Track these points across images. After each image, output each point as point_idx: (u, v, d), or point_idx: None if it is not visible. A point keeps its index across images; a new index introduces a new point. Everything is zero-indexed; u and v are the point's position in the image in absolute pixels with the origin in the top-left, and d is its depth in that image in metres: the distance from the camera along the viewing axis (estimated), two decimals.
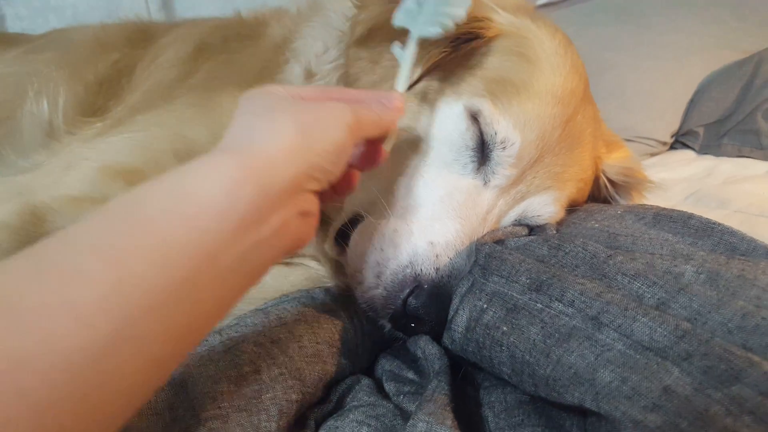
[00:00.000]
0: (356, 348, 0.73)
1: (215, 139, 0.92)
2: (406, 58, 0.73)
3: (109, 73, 1.15)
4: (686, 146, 1.80)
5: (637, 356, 0.50)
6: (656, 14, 2.01)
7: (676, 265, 0.65)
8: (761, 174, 1.54)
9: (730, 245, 0.72)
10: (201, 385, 0.57)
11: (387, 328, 0.76)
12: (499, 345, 0.61)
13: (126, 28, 1.27)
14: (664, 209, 0.82)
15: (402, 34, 0.84)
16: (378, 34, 0.85)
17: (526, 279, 0.64)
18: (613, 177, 0.99)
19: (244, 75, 0.99)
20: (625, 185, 1.00)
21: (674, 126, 1.79)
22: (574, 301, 0.58)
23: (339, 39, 0.91)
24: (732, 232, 0.74)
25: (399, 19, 0.75)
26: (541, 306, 0.60)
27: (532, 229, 0.84)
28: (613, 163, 0.99)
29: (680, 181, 1.53)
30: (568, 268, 0.65)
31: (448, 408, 0.54)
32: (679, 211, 0.80)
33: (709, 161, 1.66)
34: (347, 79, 0.85)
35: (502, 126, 0.77)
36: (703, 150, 1.75)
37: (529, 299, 0.62)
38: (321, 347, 0.67)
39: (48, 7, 1.73)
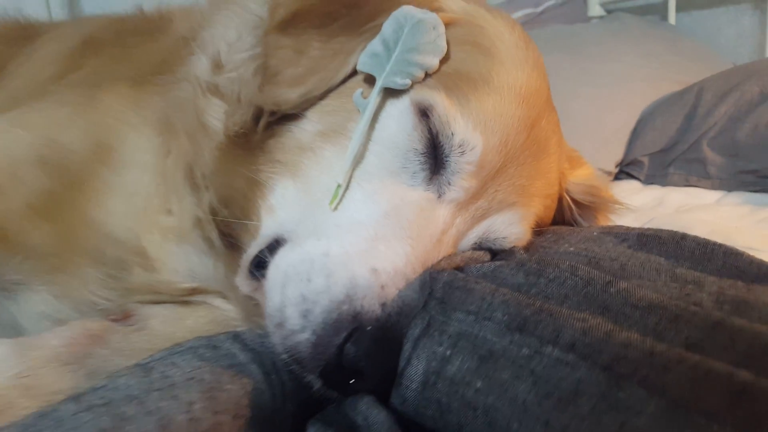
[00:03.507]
0: (273, 415, 0.54)
1: (95, 145, 0.73)
2: (368, 109, 0.63)
3: None
4: (631, 176, 1.74)
5: (682, 423, 0.34)
6: (594, 43, 1.99)
7: (688, 294, 0.50)
8: (712, 203, 1.48)
9: (736, 270, 0.59)
10: None
11: (316, 386, 0.57)
12: (472, 409, 0.44)
13: (3, 24, 1.06)
14: (648, 229, 0.69)
15: (331, 15, 0.70)
16: (304, 18, 0.69)
17: (503, 315, 0.47)
18: (578, 197, 0.86)
19: (139, 69, 0.80)
20: (590, 206, 0.87)
21: (618, 155, 1.72)
22: (574, 343, 0.42)
23: (256, 25, 0.74)
24: (736, 255, 0.61)
25: (363, 65, 0.66)
26: (528, 352, 0.43)
27: (496, 255, 0.69)
28: (578, 181, 0.86)
29: (630, 212, 1.44)
30: (555, 299, 0.49)
31: None
32: (667, 230, 0.67)
33: (656, 191, 1.59)
34: (266, 72, 0.68)
35: (459, 125, 0.62)
36: (649, 180, 1.68)
37: (510, 343, 0.45)
38: (221, 418, 0.48)
39: None
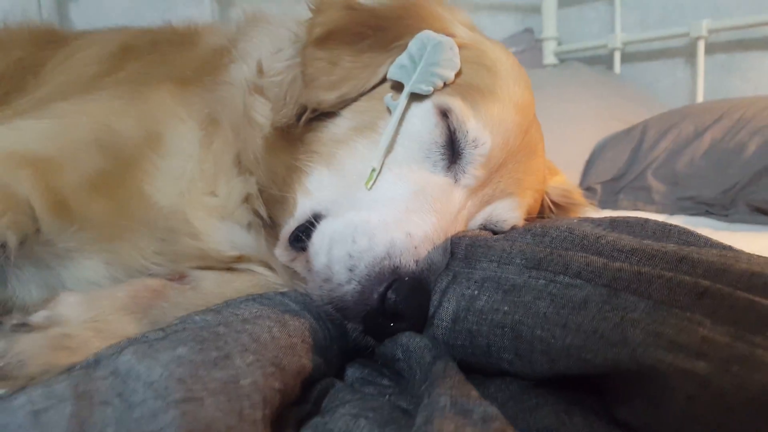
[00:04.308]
0: (325, 351, 0.64)
1: (146, 133, 0.84)
2: (398, 109, 0.76)
3: (10, 70, 1.02)
4: None
5: (665, 313, 0.47)
6: (550, 86, 2.20)
7: (658, 248, 0.65)
8: None
9: (689, 243, 0.74)
10: (157, 370, 0.45)
11: (355, 334, 0.68)
12: (501, 327, 0.56)
13: (32, 29, 1.15)
14: (618, 216, 0.84)
15: (360, 35, 0.84)
16: (337, 36, 0.83)
17: (521, 260, 0.60)
18: (556, 198, 1.01)
19: (181, 72, 0.91)
20: (565, 206, 1.02)
21: (574, 183, 1.92)
22: (580, 272, 0.55)
23: (293, 40, 0.88)
24: (688, 232, 0.76)
25: (393, 74, 0.79)
26: (544, 281, 0.56)
27: (496, 235, 0.82)
28: (555, 185, 1.01)
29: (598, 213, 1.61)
30: (560, 249, 0.63)
31: (468, 382, 0.47)
32: (633, 216, 0.82)
33: (609, 215, 1.78)
34: (304, 79, 0.81)
35: (473, 124, 0.76)
36: (602, 205, 1.87)
37: (529, 277, 0.58)
38: (294, 340, 0.58)
39: None
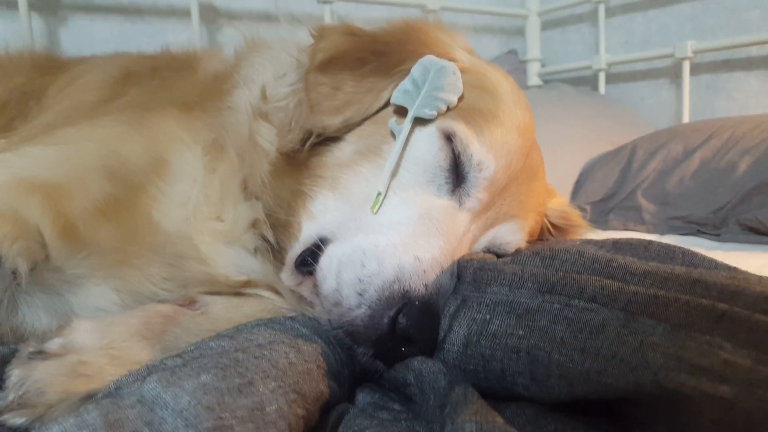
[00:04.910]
0: (339, 374, 0.64)
1: (151, 158, 0.83)
2: (402, 133, 0.77)
3: (13, 96, 1.02)
4: None
5: (684, 337, 0.48)
6: (535, 106, 2.22)
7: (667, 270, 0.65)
8: None
9: (694, 265, 0.75)
10: (184, 398, 0.44)
11: (365, 358, 0.67)
12: (516, 352, 0.56)
13: (33, 56, 1.15)
14: (620, 239, 0.85)
15: (362, 60, 0.84)
16: (339, 62, 0.84)
17: (533, 284, 0.61)
18: (555, 221, 1.02)
19: (184, 97, 0.91)
20: (563, 228, 1.04)
21: None
22: (595, 296, 0.55)
23: (296, 66, 0.88)
24: (692, 254, 0.77)
25: (397, 98, 0.80)
26: (559, 306, 0.56)
27: (499, 258, 0.83)
28: (554, 207, 1.02)
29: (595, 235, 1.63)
30: (572, 274, 0.63)
31: (492, 409, 0.47)
32: (636, 238, 0.83)
33: (600, 235, 1.78)
34: (308, 104, 0.81)
35: (476, 148, 0.77)
36: (592, 226, 1.89)
37: (543, 301, 0.58)
38: (310, 366, 0.57)
39: None
